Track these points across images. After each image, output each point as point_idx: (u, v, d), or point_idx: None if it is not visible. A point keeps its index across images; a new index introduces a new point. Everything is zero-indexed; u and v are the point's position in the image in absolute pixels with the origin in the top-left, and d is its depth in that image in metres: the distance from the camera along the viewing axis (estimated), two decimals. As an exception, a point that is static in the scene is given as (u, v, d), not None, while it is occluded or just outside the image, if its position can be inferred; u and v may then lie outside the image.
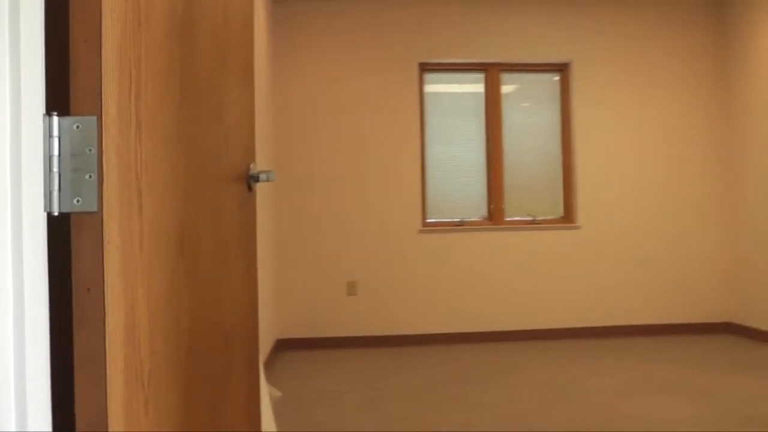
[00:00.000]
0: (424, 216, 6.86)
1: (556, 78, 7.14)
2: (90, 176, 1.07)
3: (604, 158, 6.98)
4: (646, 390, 4.75)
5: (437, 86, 7.01)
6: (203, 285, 1.57)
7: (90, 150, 1.08)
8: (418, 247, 6.74)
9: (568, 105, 7.07)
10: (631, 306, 6.96)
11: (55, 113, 1.06)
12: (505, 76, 7.06)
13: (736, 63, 6.91)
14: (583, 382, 5.03)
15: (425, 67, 6.93)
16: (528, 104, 7.13)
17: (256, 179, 2.03)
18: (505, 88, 7.06)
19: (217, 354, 1.73)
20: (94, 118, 1.08)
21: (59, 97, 1.07)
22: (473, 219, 6.96)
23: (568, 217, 7.06)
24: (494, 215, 6.96)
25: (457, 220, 6.91)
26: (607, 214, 6.97)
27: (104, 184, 1.07)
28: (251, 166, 2.06)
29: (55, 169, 1.07)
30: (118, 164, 1.13)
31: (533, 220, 6.98)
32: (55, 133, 1.07)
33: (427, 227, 6.79)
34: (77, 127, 1.08)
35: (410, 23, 6.82)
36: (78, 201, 1.06)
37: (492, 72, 7.01)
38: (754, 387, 4.77)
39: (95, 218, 1.06)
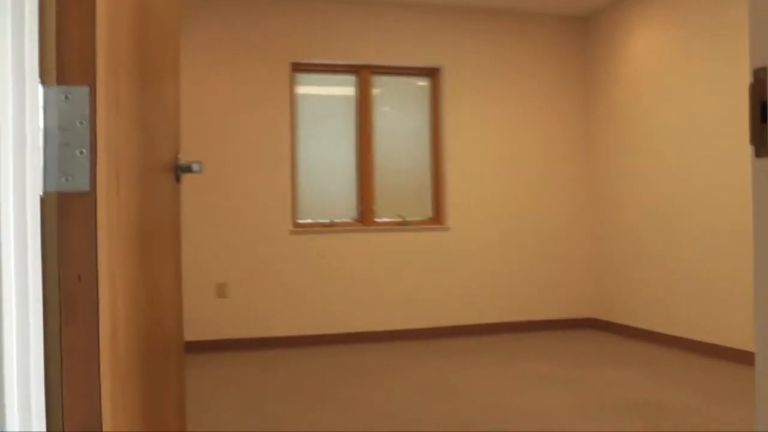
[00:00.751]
0: (294, 217, 6.79)
1: (423, 83, 7.25)
2: (82, 152, 0.96)
3: (473, 161, 7.15)
4: (520, 383, 4.89)
5: (309, 88, 6.95)
6: (153, 281, 1.47)
7: (81, 123, 0.97)
8: (289, 248, 6.66)
9: (437, 109, 7.19)
10: (499, 304, 7.16)
11: (40, 81, 0.95)
12: (376, 79, 7.10)
13: (601, 73, 7.27)
14: (458, 378, 5.12)
15: (297, 67, 6.86)
16: (398, 107, 7.20)
17: (186, 169, 1.93)
18: (376, 91, 7.09)
19: (161, 355, 1.62)
20: (87, 88, 0.97)
21: (42, 65, 0.96)
22: (344, 220, 6.96)
23: (437, 218, 7.18)
24: (364, 216, 6.98)
25: (328, 221, 6.88)
26: (476, 216, 7.13)
27: (97, 162, 0.97)
28: (179, 156, 1.96)
29: (40, 143, 0.96)
30: (106, 141, 1.02)
31: (403, 222, 7.05)
32: (40, 103, 0.96)
33: (298, 228, 6.72)
34: (66, 97, 0.97)
35: (283, 22, 6.73)
36: (67, 179, 0.96)
37: (363, 74, 7.03)
38: (622, 377, 5.01)
39: (87, 199, 0.96)
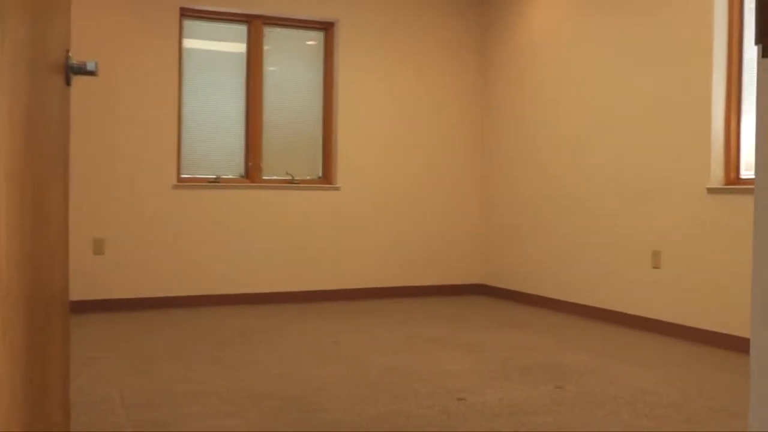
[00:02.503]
0: (179, 171, 6.42)
1: (313, 43, 6.98)
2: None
3: (365, 121, 6.96)
4: (417, 346, 4.77)
5: (198, 42, 6.56)
6: (40, 212, 1.19)
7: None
8: (173, 203, 6.30)
9: (330, 65, 6.95)
10: (389, 268, 7.03)
11: None
12: (268, 32, 6.77)
13: (498, 39, 7.19)
14: (351, 341, 4.95)
15: (186, 13, 6.45)
16: (290, 63, 6.91)
17: (79, 70, 1.64)
18: (268, 45, 6.78)
19: (43, 315, 1.35)
20: None
21: None
22: (231, 177, 6.64)
23: (327, 178, 6.96)
24: (252, 173, 6.69)
25: (214, 177, 6.54)
26: (367, 177, 6.96)
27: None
28: (69, 54, 1.66)
29: None
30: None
31: (292, 180, 6.80)
32: None
33: (183, 183, 6.36)
34: None
35: (171, -38, 6.30)
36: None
37: (255, 24, 6.70)
38: (520, 340, 4.96)
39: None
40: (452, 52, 7.28)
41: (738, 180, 4.80)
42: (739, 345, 4.61)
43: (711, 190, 4.81)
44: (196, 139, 6.53)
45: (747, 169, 4.77)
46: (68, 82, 1.64)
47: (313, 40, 6.98)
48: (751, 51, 4.72)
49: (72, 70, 1.62)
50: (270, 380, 3.86)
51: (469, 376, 3.97)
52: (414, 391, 3.68)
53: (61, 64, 1.56)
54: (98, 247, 6.07)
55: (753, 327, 1.23)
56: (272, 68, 6.79)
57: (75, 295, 5.96)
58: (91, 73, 1.62)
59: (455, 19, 7.28)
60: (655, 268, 5.25)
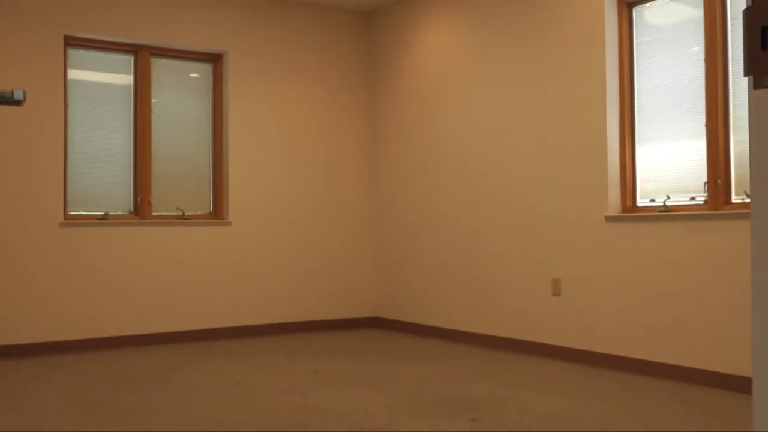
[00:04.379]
0: (65, 209, 6.09)
1: (197, 75, 6.83)
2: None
3: (257, 154, 6.83)
4: (323, 384, 4.65)
5: (84, 73, 6.28)
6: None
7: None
8: (59, 242, 5.96)
9: (220, 97, 6.80)
10: (282, 303, 6.89)
11: None
12: (156, 63, 6.57)
13: (386, 71, 7.22)
14: (255, 380, 4.79)
15: (70, 41, 6.17)
16: (178, 95, 6.71)
17: (3, 99, 1.48)
18: (156, 76, 6.56)
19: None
20: None
21: None
22: (119, 213, 6.36)
23: (217, 213, 6.78)
24: (141, 209, 6.43)
25: (102, 213, 6.25)
26: (258, 212, 6.82)
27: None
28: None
29: None
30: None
31: (182, 216, 6.58)
32: None
33: (69, 220, 6.04)
34: None
35: (52, -10, 6.01)
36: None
37: (142, 55, 6.48)
38: (422, 373, 4.92)
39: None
40: (342, 80, 7.26)
41: (634, 208, 4.95)
42: (641, 367, 4.73)
43: (609, 218, 4.94)
44: (83, 174, 6.23)
45: (642, 197, 4.93)
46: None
47: (197, 73, 6.80)
48: (642, 81, 4.91)
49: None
50: (173, 427, 3.66)
51: (382, 414, 3.89)
52: (330, 431, 3.56)
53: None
54: (-24, 291, 5.66)
55: (755, 329, 1.21)
56: (156, 100, 6.56)
57: (-49, 344, 5.57)
58: (18, 103, 1.47)
59: (345, 48, 7.28)
60: (555, 295, 5.34)
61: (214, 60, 6.83)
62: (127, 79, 6.48)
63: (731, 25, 4.45)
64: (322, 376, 4.89)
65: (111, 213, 6.32)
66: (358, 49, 7.35)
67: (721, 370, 4.30)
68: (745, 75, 1.17)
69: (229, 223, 6.68)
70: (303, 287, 7.00)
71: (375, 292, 7.33)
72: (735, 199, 4.43)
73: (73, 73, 6.23)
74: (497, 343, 5.85)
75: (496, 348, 5.85)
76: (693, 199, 4.62)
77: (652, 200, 4.85)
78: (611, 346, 4.94)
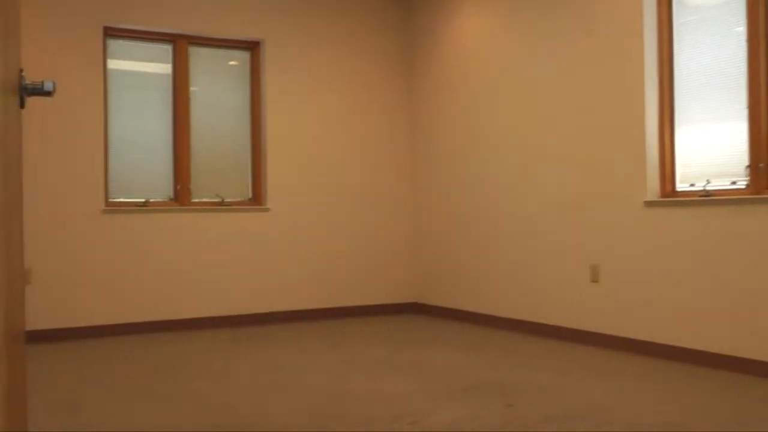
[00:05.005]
0: (107, 196, 6.18)
1: (235, 63, 6.86)
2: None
3: (295, 140, 6.86)
4: (359, 369, 4.67)
5: (123, 62, 6.36)
6: (6, 245, 1.07)
7: None
8: (101, 229, 6.06)
9: (258, 84, 6.83)
10: (323, 289, 6.93)
11: None
12: (194, 51, 6.62)
13: (424, 52, 7.19)
14: (292, 366, 4.82)
15: (110, 32, 6.25)
16: (216, 83, 6.76)
17: (34, 91, 1.50)
18: (195, 64, 6.62)
19: (11, 344, 1.22)
20: None
21: None
22: (159, 200, 6.44)
23: (256, 199, 6.83)
24: (180, 196, 6.50)
25: (143, 200, 6.34)
26: (297, 198, 6.85)
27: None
28: (22, 73, 1.52)
29: None
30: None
31: (221, 202, 6.64)
32: None
33: (110, 207, 6.13)
34: None
35: (92, -20, 6.08)
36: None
37: (180, 44, 6.53)
38: (462, 358, 4.91)
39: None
40: (380, 69, 7.25)
41: (674, 192, 4.87)
42: (680, 355, 4.67)
43: (648, 203, 4.87)
44: (124, 162, 6.32)
45: (682, 181, 4.85)
46: (22, 105, 1.50)
47: (235, 60, 6.84)
48: (682, 62, 4.82)
49: (26, 91, 1.49)
50: (211, 411, 3.71)
51: (416, 398, 3.90)
52: (363, 416, 3.58)
53: (15, 84, 1.43)
54: (26, 276, 5.78)
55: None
56: (195, 88, 6.62)
57: (-3, 329, 5.66)
58: (48, 94, 1.50)
59: (382, 36, 7.26)
60: (594, 281, 5.28)
61: (252, 47, 6.86)
62: (166, 68, 6.54)
63: (774, 4, 4.34)
64: (358, 361, 4.91)
65: (151, 200, 6.40)
66: (396, 36, 7.33)
67: (764, 358, 4.23)
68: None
69: (267, 209, 6.73)
70: (342, 273, 7.03)
71: (415, 278, 7.34)
72: (778, 182, 4.34)
73: (113, 63, 6.31)
74: (535, 329, 5.82)
75: (535, 334, 5.82)
76: (734, 183, 4.53)
77: (692, 185, 4.77)
78: (650, 332, 4.88)
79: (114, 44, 6.31)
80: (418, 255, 7.29)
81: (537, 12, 5.78)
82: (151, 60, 6.50)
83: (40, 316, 5.83)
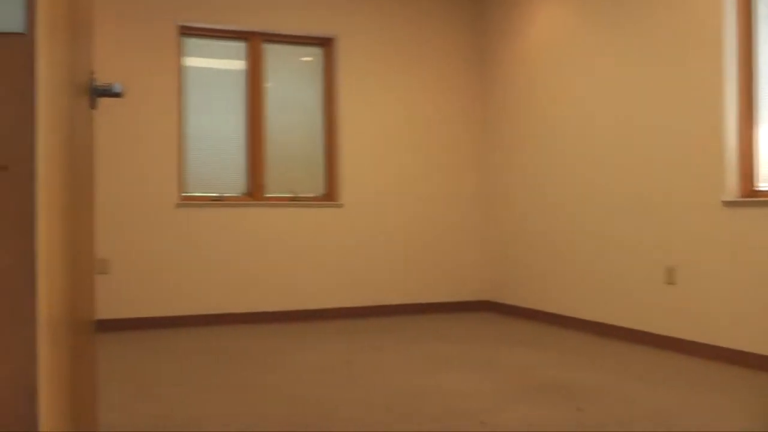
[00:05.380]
0: (181, 190, 6.32)
1: (308, 59, 6.91)
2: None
3: (367, 138, 6.88)
4: (428, 366, 4.66)
5: (198, 60, 6.48)
6: (73, 238, 1.10)
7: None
8: (176, 222, 6.20)
9: (331, 81, 6.88)
10: (393, 285, 6.94)
11: None
12: (268, 48, 6.70)
13: (498, 50, 7.13)
14: (363, 361, 4.84)
15: (185, 31, 6.38)
16: (289, 80, 6.83)
17: (104, 92, 1.54)
18: (268, 61, 6.70)
19: (77, 334, 1.25)
20: None
21: None
22: (232, 194, 6.55)
23: (330, 195, 6.87)
24: (254, 191, 6.59)
25: (217, 194, 6.45)
26: (370, 194, 6.88)
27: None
28: (94, 75, 1.57)
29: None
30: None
31: (294, 197, 6.71)
32: None
33: (185, 201, 6.26)
34: None
35: (170, -21, 6.22)
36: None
37: (254, 41, 6.62)
38: (530, 358, 4.86)
39: (21, 43, 0.60)
40: (452, 64, 7.21)
41: (754, 192, 4.71)
42: (760, 363, 4.52)
43: (726, 203, 4.72)
44: (198, 157, 6.44)
45: (763, 180, 4.68)
46: (93, 105, 1.54)
47: (309, 56, 6.90)
48: (763, 54, 4.65)
49: (96, 93, 1.53)
50: (284, 404, 3.75)
51: (486, 397, 3.87)
52: (433, 413, 3.57)
53: (87, 86, 1.47)
54: (102, 266, 5.96)
55: None
56: (269, 84, 6.71)
57: (77, 318, 5.85)
58: (117, 95, 1.53)
59: (454, 32, 7.22)
60: (670, 284, 5.15)
61: (325, 44, 6.90)
62: (240, 64, 6.64)
63: None
64: (429, 358, 4.91)
65: (225, 195, 6.51)
66: (469, 33, 7.28)
67: None
68: None
69: (341, 205, 6.77)
70: (415, 269, 7.02)
71: (487, 276, 7.29)
72: None
73: (188, 61, 6.43)
74: (608, 331, 5.71)
75: (607, 336, 5.71)
76: (819, 183, 4.36)
77: (775, 184, 4.61)
78: (728, 339, 4.73)
79: (189, 42, 6.44)
80: (490, 253, 7.24)
81: (611, 4, 5.65)
82: (225, 57, 6.61)
83: (116, 306, 6.00)
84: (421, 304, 7.01)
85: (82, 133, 1.40)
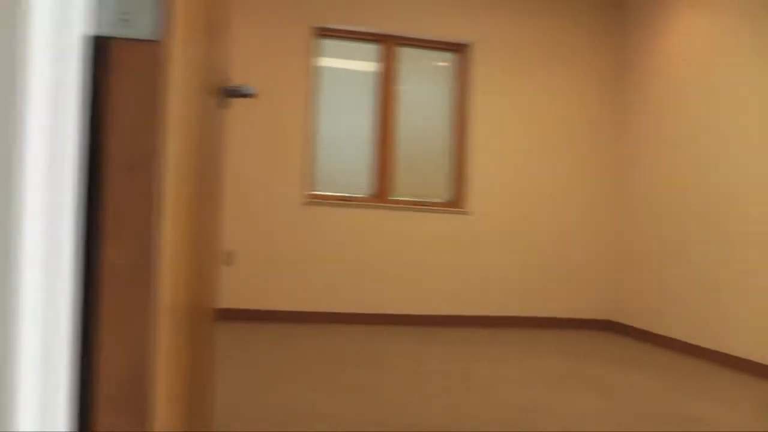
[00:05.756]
0: (310, 188, 6.46)
1: (444, 64, 6.91)
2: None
3: (498, 146, 6.82)
4: (548, 382, 4.57)
5: (331, 60, 6.61)
6: (202, 221, 1.14)
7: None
8: (302, 219, 6.34)
9: (463, 87, 6.86)
10: (514, 297, 6.85)
11: None
12: (401, 51, 6.76)
13: (637, 61, 6.93)
14: (482, 372, 4.80)
15: (320, 32, 6.52)
16: (421, 84, 6.86)
17: (235, 93, 1.60)
18: (400, 63, 6.75)
19: (199, 323, 1.30)
20: None
21: None
22: (359, 195, 6.64)
23: (456, 202, 6.86)
24: (381, 193, 6.66)
25: (344, 194, 6.56)
26: (497, 202, 6.81)
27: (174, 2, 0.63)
28: (227, 77, 1.62)
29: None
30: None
31: (420, 202, 6.73)
32: None
33: (313, 199, 6.39)
34: None
35: (310, -18, 6.38)
36: (125, 18, 0.62)
37: (388, 44, 6.69)
38: (650, 384, 4.69)
39: (154, 50, 0.63)
40: (588, 77, 7.06)
41: None
42: None
43: None
44: (327, 156, 6.57)
45: None
46: (226, 105, 1.60)
47: (442, 61, 6.91)
48: None
49: (230, 94, 1.58)
50: (400, 409, 3.77)
51: (597, 420, 3.76)
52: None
53: (220, 87, 1.52)
54: (228, 258, 6.17)
55: None
56: (399, 87, 6.76)
57: (205, 308, 6.08)
58: (249, 96, 1.58)
59: (592, 44, 7.06)
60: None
61: (459, 50, 6.90)
62: (373, 66, 6.72)
63: None
64: (546, 373, 4.82)
65: (351, 195, 6.60)
66: (608, 42, 7.11)
67: None
68: None
69: (467, 213, 6.74)
70: (536, 282, 6.91)
71: (610, 295, 7.08)
72: None
73: (321, 61, 6.57)
74: (736, 364, 5.43)
75: (734, 368, 5.43)
76: None
77: None
78: None
79: (323, 43, 6.57)
80: (617, 272, 7.02)
81: (755, 21, 5.38)
82: (357, 58, 6.71)
83: (239, 296, 6.19)
84: (539, 318, 6.89)
85: (213, 133, 1.45)
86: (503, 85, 6.84)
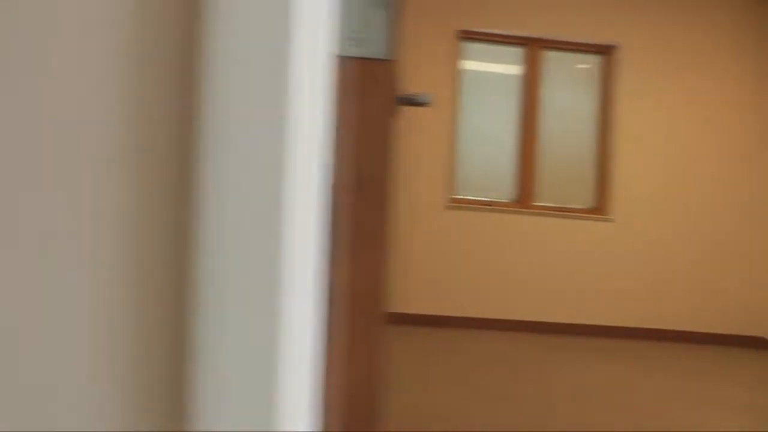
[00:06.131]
0: (452, 192, 6.47)
1: (585, 66, 6.76)
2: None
3: (645, 152, 6.62)
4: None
5: (473, 63, 6.60)
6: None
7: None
8: (444, 223, 6.35)
9: (609, 91, 6.69)
10: (661, 309, 6.62)
11: None
12: (545, 54, 6.66)
13: (792, 60, 6.58)
14: (640, 389, 4.67)
15: (464, 35, 6.52)
16: (566, 86, 6.74)
17: (411, 101, 1.62)
18: (544, 67, 6.66)
19: (373, 323, 1.32)
20: None
21: None
22: (501, 200, 6.59)
23: (600, 208, 6.70)
24: (523, 198, 6.58)
25: (486, 199, 6.53)
26: (643, 210, 6.61)
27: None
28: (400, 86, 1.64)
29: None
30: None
31: (563, 208, 6.61)
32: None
33: (455, 203, 6.40)
34: None
35: (455, -13, 6.39)
36: (358, 37, 0.64)
37: (532, 47, 6.61)
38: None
39: (387, 69, 0.65)
40: (740, 82, 6.74)
41: None
42: None
43: None
44: (471, 160, 6.56)
45: None
46: (396, 113, 1.62)
47: (585, 64, 6.76)
48: None
49: (404, 102, 1.61)
50: (531, 416, 3.71)
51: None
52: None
53: (396, 95, 1.55)
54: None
55: None
56: (543, 91, 6.67)
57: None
58: (424, 105, 1.60)
59: (744, 48, 6.74)
60: None
61: (604, 52, 6.74)
62: (516, 69, 6.66)
63: None
64: (713, 397, 4.63)
65: (493, 199, 6.56)
66: (758, 50, 6.76)
67: None
68: None
69: (611, 220, 6.58)
70: (684, 295, 6.65)
71: (766, 309, 6.73)
72: None
73: (465, 64, 6.56)
74: None
75: None
76: None
77: None
78: None
79: (467, 46, 6.57)
80: (771, 279, 6.68)
81: None
82: (502, 61, 6.66)
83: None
84: (688, 332, 6.63)
85: (388, 139, 1.47)
86: (652, 90, 6.63)
